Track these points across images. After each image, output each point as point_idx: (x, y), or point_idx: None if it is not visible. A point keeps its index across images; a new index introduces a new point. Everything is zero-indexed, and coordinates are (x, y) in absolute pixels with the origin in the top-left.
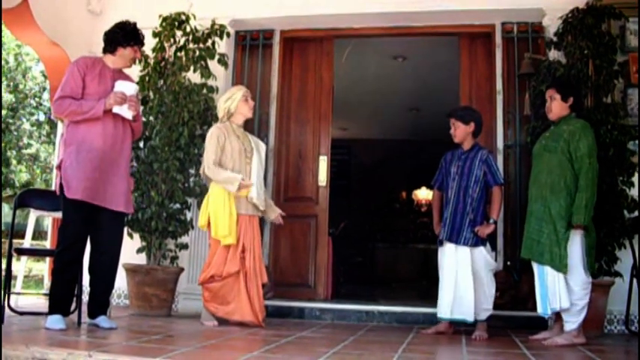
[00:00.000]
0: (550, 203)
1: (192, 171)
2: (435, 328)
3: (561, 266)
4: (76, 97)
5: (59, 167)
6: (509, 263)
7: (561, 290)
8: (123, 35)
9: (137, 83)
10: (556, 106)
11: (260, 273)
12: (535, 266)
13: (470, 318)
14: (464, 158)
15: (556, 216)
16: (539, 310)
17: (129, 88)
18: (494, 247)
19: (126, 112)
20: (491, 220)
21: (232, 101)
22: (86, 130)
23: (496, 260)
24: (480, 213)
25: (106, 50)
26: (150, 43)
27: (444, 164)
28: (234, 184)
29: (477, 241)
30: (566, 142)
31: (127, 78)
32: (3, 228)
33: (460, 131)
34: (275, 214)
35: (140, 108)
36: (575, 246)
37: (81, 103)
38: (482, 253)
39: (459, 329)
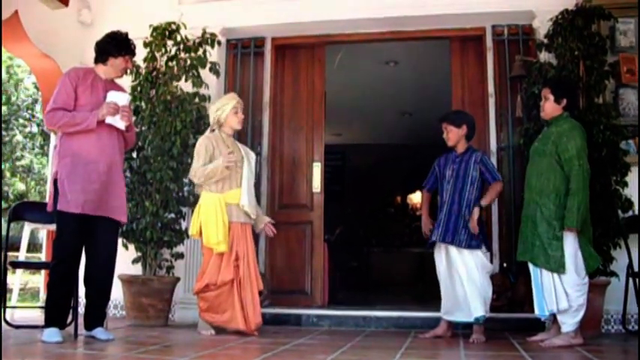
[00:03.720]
0: (541, 206)
1: (186, 180)
2: (432, 332)
3: (557, 267)
4: (69, 108)
5: (54, 180)
6: (505, 265)
7: (557, 292)
8: (114, 45)
9: (129, 94)
10: (548, 107)
11: (255, 280)
12: (531, 268)
13: (478, 313)
14: (458, 161)
15: (548, 218)
16: (537, 311)
17: (121, 99)
18: (489, 249)
19: (119, 122)
20: (479, 204)
21: (222, 112)
22: (81, 142)
23: (491, 262)
24: None
25: (97, 60)
26: (141, 53)
27: (438, 168)
28: (221, 164)
29: (472, 243)
30: (554, 144)
31: (119, 88)
32: None
33: (453, 134)
34: (262, 223)
35: (133, 118)
36: (567, 248)
37: (74, 114)
38: (479, 255)
39: (457, 332)
